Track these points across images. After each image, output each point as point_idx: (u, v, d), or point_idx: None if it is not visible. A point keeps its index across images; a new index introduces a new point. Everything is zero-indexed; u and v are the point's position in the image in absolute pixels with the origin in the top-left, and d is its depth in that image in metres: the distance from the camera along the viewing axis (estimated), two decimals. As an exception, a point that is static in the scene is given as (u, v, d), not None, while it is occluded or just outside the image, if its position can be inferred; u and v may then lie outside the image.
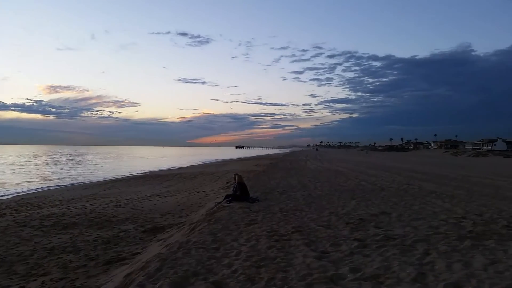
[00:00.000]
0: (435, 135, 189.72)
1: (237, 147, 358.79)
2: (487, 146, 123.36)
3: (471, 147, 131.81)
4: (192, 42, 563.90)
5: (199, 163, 59.50)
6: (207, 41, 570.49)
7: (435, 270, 5.06)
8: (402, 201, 11.66)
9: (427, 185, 16.87)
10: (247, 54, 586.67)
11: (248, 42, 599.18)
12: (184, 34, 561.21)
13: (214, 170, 34.53)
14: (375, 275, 4.85)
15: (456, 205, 10.65)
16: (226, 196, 11.72)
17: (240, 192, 11.54)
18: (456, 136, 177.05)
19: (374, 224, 8.19)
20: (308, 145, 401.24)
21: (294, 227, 7.85)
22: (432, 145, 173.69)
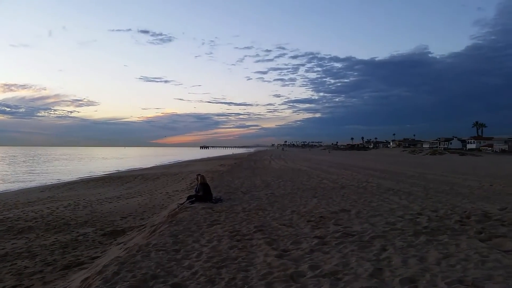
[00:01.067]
0: (394, 134, 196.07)
1: (201, 147, 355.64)
2: (443, 145, 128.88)
3: (428, 146, 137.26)
4: (154, 40, 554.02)
5: (162, 163, 58.53)
6: (169, 39, 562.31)
7: (392, 265, 5.23)
8: (361, 198, 12.00)
9: (385, 182, 17.45)
10: (211, 53, 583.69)
11: (212, 41, 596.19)
12: (145, 32, 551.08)
13: (178, 170, 34.11)
14: (334, 272, 4.97)
15: (412, 202, 11.08)
16: (189, 197, 11.62)
17: (203, 193, 11.48)
18: (414, 135, 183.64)
19: (334, 221, 8.38)
20: (273, 145, 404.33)
21: (256, 226, 7.90)
22: (391, 144, 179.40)
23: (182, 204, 11.31)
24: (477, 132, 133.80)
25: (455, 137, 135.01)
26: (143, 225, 10.63)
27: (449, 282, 4.45)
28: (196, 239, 6.98)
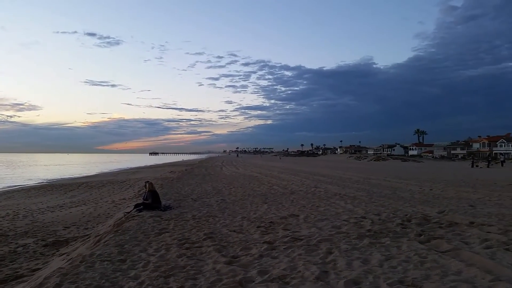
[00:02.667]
0: (341, 141, 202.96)
1: (151, 154, 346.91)
2: (387, 151, 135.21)
3: (373, 152, 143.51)
4: (101, 43, 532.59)
5: (109, 170, 56.45)
6: (117, 43, 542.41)
7: (337, 268, 5.40)
8: (309, 203, 12.28)
9: (332, 187, 17.98)
10: (161, 57, 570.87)
11: (162, 45, 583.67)
12: (92, 34, 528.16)
13: (125, 178, 33.05)
14: (282, 276, 5.04)
15: (357, 206, 11.50)
16: (136, 205, 11.29)
17: (151, 200, 11.20)
18: (360, 141, 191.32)
19: (283, 226, 8.50)
20: (225, 151, 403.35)
21: (206, 233, 7.84)
22: (339, 150, 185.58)
23: (129, 212, 10.96)
24: (418, 139, 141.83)
25: (398, 144, 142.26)
26: (87, 235, 10.20)
27: (391, 283, 4.65)
28: (143, 249, 6.79)
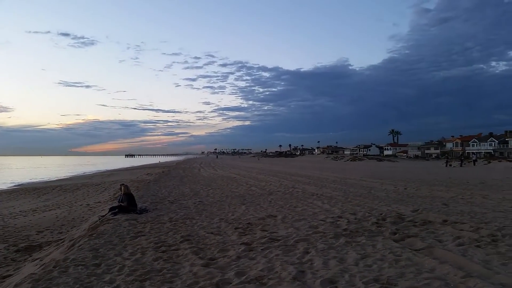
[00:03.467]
0: (319, 141, 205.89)
1: (127, 156, 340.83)
2: (363, 151, 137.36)
3: (349, 152, 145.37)
4: (75, 43, 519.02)
5: (83, 173, 55.27)
6: (91, 43, 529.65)
7: (313, 268, 5.44)
8: (287, 204, 12.34)
9: (310, 188, 18.13)
10: (137, 58, 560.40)
11: (138, 46, 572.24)
12: (66, 35, 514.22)
13: (100, 180, 32.43)
14: (259, 277, 5.03)
15: (334, 206, 11.62)
16: (111, 208, 11.07)
17: (127, 203, 11.02)
18: (337, 142, 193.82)
19: (261, 227, 8.51)
20: (203, 152, 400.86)
21: (183, 236, 7.76)
22: (316, 150, 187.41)
23: (104, 216, 10.75)
24: (393, 139, 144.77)
25: (374, 144, 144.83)
26: (61, 239, 9.96)
27: (366, 282, 4.71)
28: (119, 252, 6.67)
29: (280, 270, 5.31)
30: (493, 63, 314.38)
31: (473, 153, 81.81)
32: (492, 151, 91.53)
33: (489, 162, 55.43)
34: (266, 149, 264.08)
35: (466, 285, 4.44)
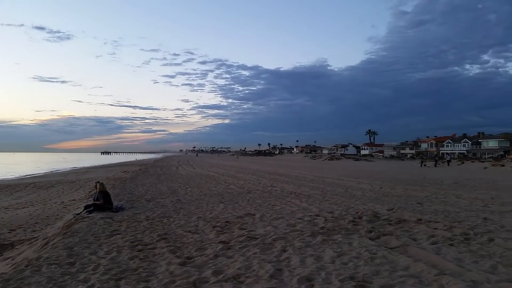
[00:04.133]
0: (297, 140, 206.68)
1: (103, 153, 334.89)
2: (340, 151, 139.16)
3: (327, 152, 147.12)
4: (51, 37, 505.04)
5: (58, 170, 53.98)
6: (68, 37, 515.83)
7: (291, 266, 5.47)
8: (265, 202, 12.37)
9: (288, 186, 18.23)
10: (114, 53, 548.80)
11: (115, 41, 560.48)
12: (41, 28, 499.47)
13: (75, 178, 31.74)
14: (236, 275, 5.02)
15: (311, 204, 11.71)
16: (86, 206, 10.84)
17: (102, 201, 10.81)
18: (315, 141, 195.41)
19: (239, 225, 8.50)
20: (181, 150, 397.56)
21: (160, 235, 7.67)
22: (295, 149, 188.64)
23: (79, 214, 10.51)
24: (370, 139, 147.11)
25: (351, 144, 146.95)
26: (34, 237, 9.68)
27: (342, 279, 4.77)
28: (94, 251, 6.54)
29: (258, 268, 5.31)
30: (467, 66, 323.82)
31: (447, 153, 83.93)
32: (465, 151, 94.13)
33: (463, 163, 56.91)
34: (245, 148, 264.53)
35: (439, 283, 4.55)
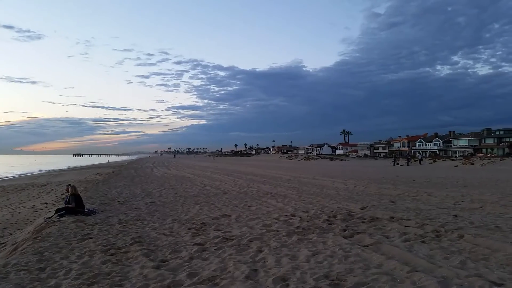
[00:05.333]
0: (274, 141, 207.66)
1: (74, 155, 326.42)
2: (316, 150, 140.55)
3: (303, 152, 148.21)
4: (20, 36, 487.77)
5: (28, 173, 52.35)
6: (38, 37, 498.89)
7: (266, 266, 5.48)
8: (241, 203, 12.37)
9: (264, 187, 18.28)
10: (86, 53, 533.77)
11: (88, 41, 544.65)
12: (10, 27, 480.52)
13: (46, 181, 30.85)
14: (212, 277, 4.99)
15: (287, 204, 11.78)
16: (58, 210, 10.56)
17: (74, 205, 10.55)
18: (291, 141, 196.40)
19: (214, 227, 8.46)
20: (156, 152, 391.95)
21: (133, 238, 7.54)
22: (271, 150, 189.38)
23: (50, 218, 10.23)
24: (344, 139, 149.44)
25: (326, 144, 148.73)
26: (2, 243, 9.33)
27: (317, 278, 4.81)
28: (65, 256, 6.37)
29: (233, 269, 5.30)
30: (438, 67, 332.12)
31: (419, 152, 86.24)
32: (437, 150, 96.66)
33: (434, 161, 58.55)
34: (221, 148, 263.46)
35: (411, 280, 4.64)
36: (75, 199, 10.71)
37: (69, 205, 10.58)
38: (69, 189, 11.14)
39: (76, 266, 5.72)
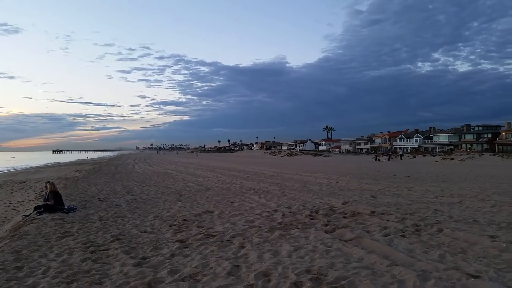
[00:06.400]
0: (257, 137, 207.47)
1: (54, 151, 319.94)
2: (299, 146, 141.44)
3: (286, 147, 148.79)
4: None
5: (6, 170, 51.11)
6: (16, 31, 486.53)
7: (248, 262, 5.48)
8: (224, 199, 12.34)
9: (247, 183, 18.29)
10: (66, 48, 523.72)
11: (68, 35, 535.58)
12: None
13: (25, 178, 30.17)
14: (193, 274, 4.96)
15: (270, 200, 11.81)
16: (36, 207, 10.34)
17: (53, 202, 10.35)
18: (275, 137, 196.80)
19: (197, 223, 8.42)
20: (138, 148, 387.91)
21: (113, 235, 7.44)
22: (255, 146, 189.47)
23: (28, 215, 10.02)
24: (327, 135, 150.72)
25: (309, 140, 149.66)
26: (-23, 243, 9.10)
27: (298, 273, 4.84)
28: (44, 254, 6.25)
29: (215, 265, 5.29)
30: (419, 64, 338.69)
31: (400, 148, 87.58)
32: (417, 146, 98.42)
33: (415, 157, 59.64)
34: (204, 145, 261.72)
35: (391, 273, 4.71)
36: (54, 196, 10.50)
37: (48, 203, 10.37)
38: (48, 186, 10.92)
39: (55, 264, 5.62)
